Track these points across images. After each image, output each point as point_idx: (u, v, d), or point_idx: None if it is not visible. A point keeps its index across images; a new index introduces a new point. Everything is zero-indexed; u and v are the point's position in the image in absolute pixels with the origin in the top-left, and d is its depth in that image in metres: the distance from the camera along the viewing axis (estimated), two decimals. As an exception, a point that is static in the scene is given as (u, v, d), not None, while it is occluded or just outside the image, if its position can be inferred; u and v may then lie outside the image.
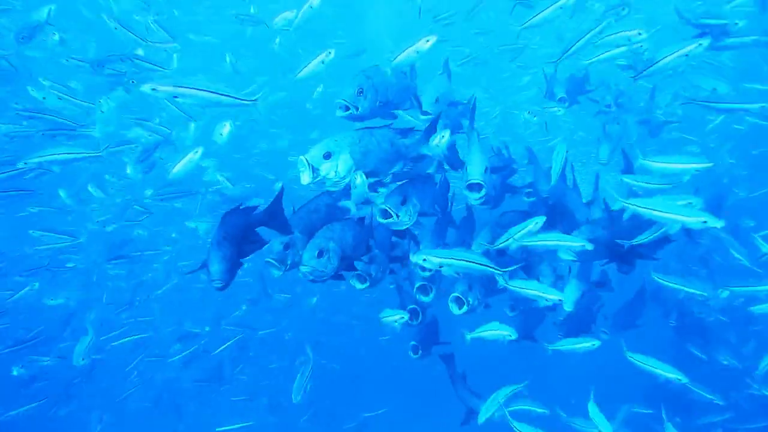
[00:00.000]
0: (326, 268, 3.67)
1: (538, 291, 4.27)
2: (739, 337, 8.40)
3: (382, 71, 4.36)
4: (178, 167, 6.05)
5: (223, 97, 3.36)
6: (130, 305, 9.42)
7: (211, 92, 3.33)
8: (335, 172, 3.44)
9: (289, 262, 3.92)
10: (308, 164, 3.35)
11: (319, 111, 11.91)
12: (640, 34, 4.96)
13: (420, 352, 5.42)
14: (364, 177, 3.65)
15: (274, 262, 3.87)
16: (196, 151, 5.94)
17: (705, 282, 5.54)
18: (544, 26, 5.42)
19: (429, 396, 12.72)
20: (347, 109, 4.03)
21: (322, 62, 4.52)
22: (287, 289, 10.76)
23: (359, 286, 4.37)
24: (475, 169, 4.10)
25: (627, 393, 8.06)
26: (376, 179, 3.87)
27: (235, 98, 3.39)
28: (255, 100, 3.50)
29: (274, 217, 3.82)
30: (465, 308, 4.48)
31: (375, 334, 11.68)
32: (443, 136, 4.10)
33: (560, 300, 4.28)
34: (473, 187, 4.13)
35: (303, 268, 3.63)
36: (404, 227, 4.14)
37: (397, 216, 3.96)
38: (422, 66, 4.90)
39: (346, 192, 4.12)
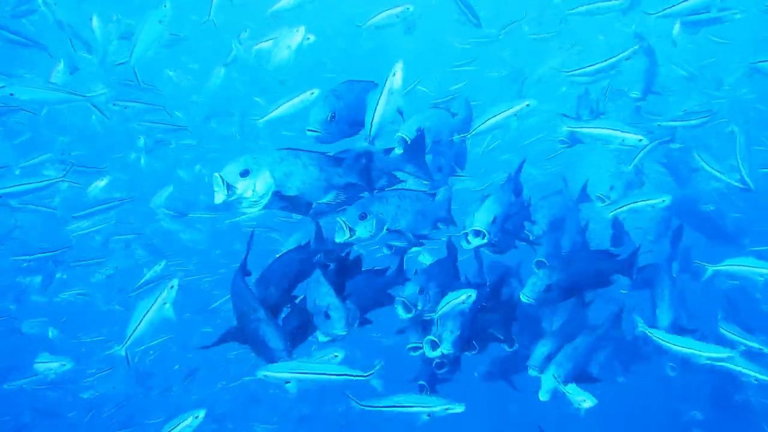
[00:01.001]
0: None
1: None
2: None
3: (354, 87, 3.98)
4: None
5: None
6: None
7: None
8: (252, 191, 3.11)
9: None
10: (223, 182, 3.04)
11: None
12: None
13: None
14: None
15: None
16: None
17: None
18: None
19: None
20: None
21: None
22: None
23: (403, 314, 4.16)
24: (482, 216, 4.03)
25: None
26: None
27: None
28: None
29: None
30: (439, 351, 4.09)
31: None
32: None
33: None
34: (476, 234, 4.04)
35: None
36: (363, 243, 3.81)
37: (352, 232, 3.59)
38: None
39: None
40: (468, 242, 4.18)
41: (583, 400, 3.99)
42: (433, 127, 4.60)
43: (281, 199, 3.28)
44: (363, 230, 3.62)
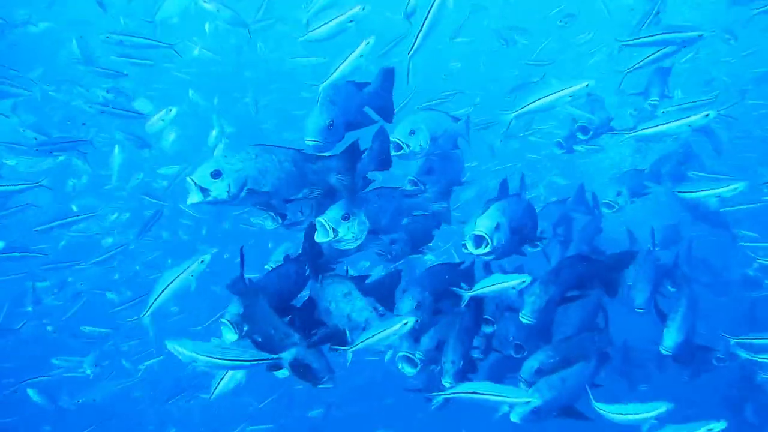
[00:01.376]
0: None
1: None
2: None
3: (346, 87, 3.89)
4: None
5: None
6: None
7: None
8: (226, 192, 3.08)
9: (245, 329, 3.56)
10: (196, 185, 3.02)
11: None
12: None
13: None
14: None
15: (229, 324, 3.54)
16: None
17: None
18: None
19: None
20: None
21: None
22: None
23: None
24: (485, 221, 3.85)
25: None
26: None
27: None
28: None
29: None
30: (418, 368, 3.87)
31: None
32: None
33: None
34: (478, 240, 3.85)
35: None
36: (349, 247, 3.67)
37: (335, 232, 3.46)
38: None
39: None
40: (466, 248, 4.02)
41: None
42: (428, 130, 4.45)
43: (255, 196, 3.25)
44: (346, 231, 3.51)
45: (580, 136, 5.94)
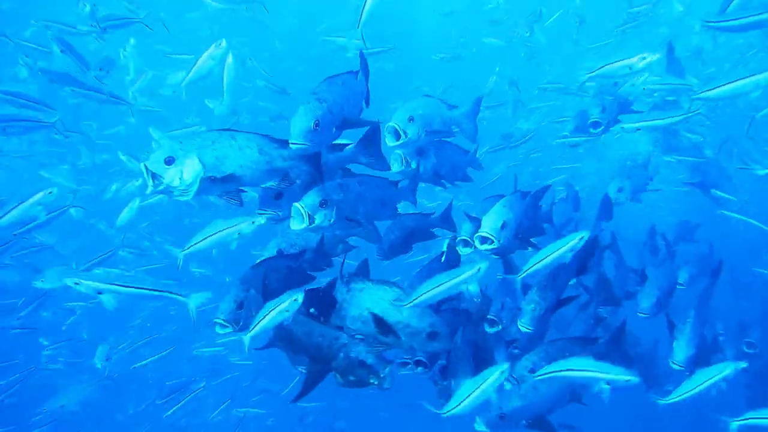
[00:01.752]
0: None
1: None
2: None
3: (340, 80, 3.64)
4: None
5: None
6: None
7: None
8: (180, 179, 2.87)
9: (241, 323, 3.41)
10: (148, 172, 2.83)
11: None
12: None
13: None
14: None
15: (223, 322, 3.37)
16: None
17: None
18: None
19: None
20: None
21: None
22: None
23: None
24: (491, 220, 3.80)
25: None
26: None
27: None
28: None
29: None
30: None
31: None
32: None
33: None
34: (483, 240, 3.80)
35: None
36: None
37: (311, 219, 3.30)
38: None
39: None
40: (464, 248, 4.00)
41: None
42: (425, 116, 4.15)
43: (217, 184, 3.08)
44: (322, 218, 3.34)
45: (592, 131, 5.81)
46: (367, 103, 3.99)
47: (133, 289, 3.24)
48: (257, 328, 3.14)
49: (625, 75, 4.83)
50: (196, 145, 2.99)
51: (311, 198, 3.32)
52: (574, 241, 3.59)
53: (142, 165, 2.84)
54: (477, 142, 4.67)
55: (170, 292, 3.31)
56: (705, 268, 5.83)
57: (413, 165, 4.31)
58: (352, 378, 3.20)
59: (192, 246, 3.46)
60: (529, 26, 10.10)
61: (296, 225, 3.28)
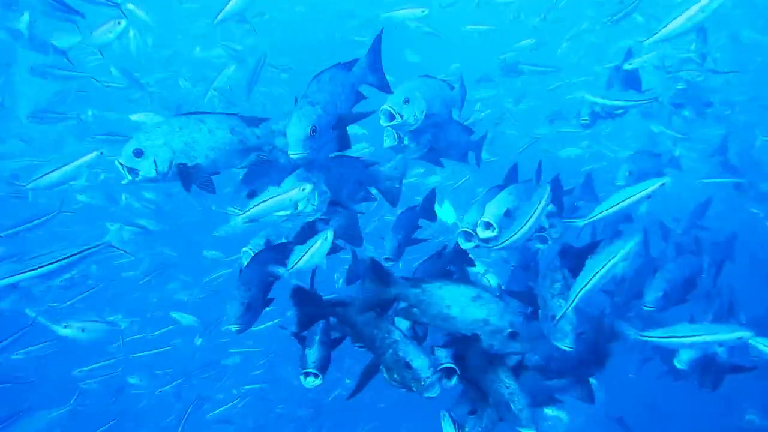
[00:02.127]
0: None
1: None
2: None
3: (330, 76, 3.44)
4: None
5: None
6: None
7: None
8: (153, 170, 2.91)
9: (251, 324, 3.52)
10: (124, 168, 2.91)
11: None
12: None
13: None
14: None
15: (235, 326, 3.47)
16: None
17: None
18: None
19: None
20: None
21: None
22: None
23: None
24: (494, 207, 3.70)
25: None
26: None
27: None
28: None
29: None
30: None
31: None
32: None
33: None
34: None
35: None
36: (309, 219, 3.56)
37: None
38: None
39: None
40: (467, 241, 3.84)
41: None
42: (423, 98, 3.94)
43: (190, 171, 3.06)
44: (306, 204, 3.36)
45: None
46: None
47: (51, 266, 3.31)
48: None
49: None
50: (163, 133, 2.97)
51: (292, 183, 3.29)
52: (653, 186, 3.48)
53: (116, 162, 2.88)
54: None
55: (88, 248, 3.41)
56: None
57: (406, 141, 4.16)
58: (396, 377, 3.08)
59: (252, 209, 3.33)
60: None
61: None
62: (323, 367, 3.32)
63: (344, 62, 3.59)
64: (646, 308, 4.52)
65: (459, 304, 3.27)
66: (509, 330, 3.17)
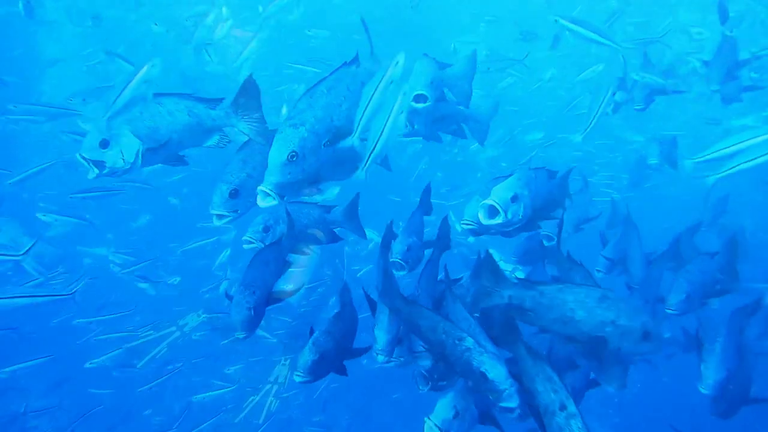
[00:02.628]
0: None
1: None
2: None
3: (314, 97, 2.93)
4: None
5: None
6: None
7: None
8: (122, 159, 2.89)
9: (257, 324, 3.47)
10: (88, 161, 2.87)
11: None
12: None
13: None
14: None
15: (241, 332, 3.44)
16: None
17: None
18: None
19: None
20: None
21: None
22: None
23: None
24: (501, 191, 3.47)
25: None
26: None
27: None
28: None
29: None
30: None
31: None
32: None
33: None
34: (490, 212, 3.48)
35: None
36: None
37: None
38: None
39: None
40: (468, 229, 3.67)
41: None
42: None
43: (157, 153, 3.06)
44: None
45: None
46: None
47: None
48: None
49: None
50: (126, 120, 2.95)
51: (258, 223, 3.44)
52: None
53: (78, 156, 2.82)
54: (470, 108, 4.26)
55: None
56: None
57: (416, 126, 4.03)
58: (470, 383, 3.03)
59: (361, 121, 2.85)
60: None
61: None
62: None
63: (348, 61, 3.17)
64: (669, 311, 4.30)
65: (585, 307, 3.16)
66: (642, 330, 3.06)
